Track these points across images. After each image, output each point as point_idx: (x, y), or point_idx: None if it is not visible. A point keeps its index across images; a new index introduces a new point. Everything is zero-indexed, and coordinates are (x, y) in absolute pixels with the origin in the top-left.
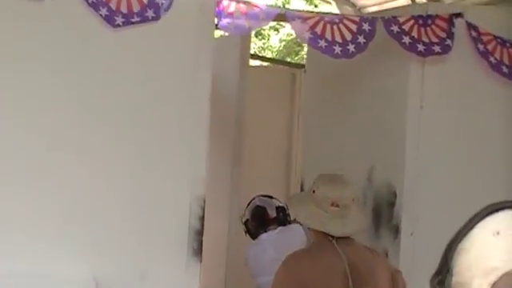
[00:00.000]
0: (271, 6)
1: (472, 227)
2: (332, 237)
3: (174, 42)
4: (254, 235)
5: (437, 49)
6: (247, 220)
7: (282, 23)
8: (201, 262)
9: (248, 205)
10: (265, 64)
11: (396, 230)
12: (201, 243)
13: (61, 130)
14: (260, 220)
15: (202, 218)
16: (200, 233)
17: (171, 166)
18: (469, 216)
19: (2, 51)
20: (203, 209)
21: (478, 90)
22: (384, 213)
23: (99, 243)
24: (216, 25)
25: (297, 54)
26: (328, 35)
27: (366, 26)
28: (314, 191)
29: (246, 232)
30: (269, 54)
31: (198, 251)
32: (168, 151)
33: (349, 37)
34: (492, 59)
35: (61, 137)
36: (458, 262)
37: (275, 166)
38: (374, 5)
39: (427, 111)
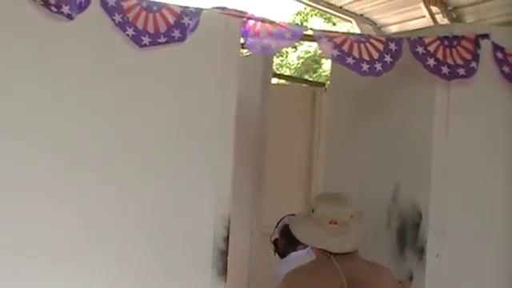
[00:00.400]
0: (296, 25)
1: None
2: (331, 253)
3: (199, 63)
4: (282, 254)
5: (461, 72)
6: (276, 239)
7: (299, 41)
8: (225, 282)
9: (277, 224)
10: (282, 82)
11: (421, 252)
12: (225, 263)
13: (87, 149)
14: (289, 239)
15: (227, 239)
16: (225, 253)
17: (196, 186)
18: (495, 237)
19: (31, 69)
20: (228, 229)
21: (503, 112)
22: (409, 234)
23: (123, 263)
24: (242, 44)
25: (315, 72)
26: (355, 53)
27: (392, 46)
28: (313, 210)
29: (274, 251)
30: (287, 72)
31: (223, 271)
32: (193, 171)
33: (376, 55)
34: None
35: (86, 156)
36: None
37: (296, 184)
38: (394, 23)
39: (453, 132)
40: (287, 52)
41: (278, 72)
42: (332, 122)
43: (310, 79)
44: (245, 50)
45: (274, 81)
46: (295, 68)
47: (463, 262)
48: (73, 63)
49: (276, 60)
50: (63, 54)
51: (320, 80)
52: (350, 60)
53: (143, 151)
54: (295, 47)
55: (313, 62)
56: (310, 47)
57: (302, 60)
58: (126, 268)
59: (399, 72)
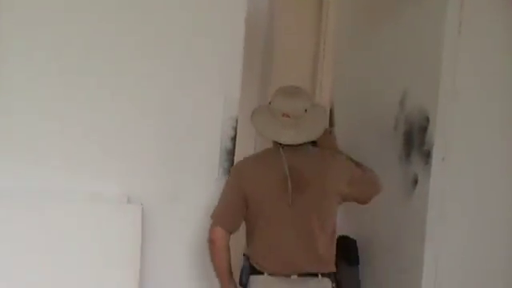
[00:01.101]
0: None
1: None
2: (281, 144)
3: None
4: None
5: None
6: None
7: None
8: None
9: None
10: None
11: (427, 155)
12: (232, 163)
13: (92, 52)
14: None
15: (234, 139)
16: (232, 152)
17: (205, 87)
18: (504, 146)
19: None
20: (235, 129)
21: None
22: (415, 138)
23: (131, 162)
24: None
25: None
26: None
27: None
28: (270, 102)
29: None
30: None
31: (228, 170)
32: (202, 72)
33: None
34: None
35: (92, 58)
36: None
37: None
38: None
39: (465, 36)
40: None
41: None
42: (340, 27)
43: None
44: None
45: None
46: None
47: (468, 166)
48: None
49: None
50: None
51: None
52: None
53: (152, 54)
54: None
55: None
56: None
57: None
58: (133, 167)
59: None
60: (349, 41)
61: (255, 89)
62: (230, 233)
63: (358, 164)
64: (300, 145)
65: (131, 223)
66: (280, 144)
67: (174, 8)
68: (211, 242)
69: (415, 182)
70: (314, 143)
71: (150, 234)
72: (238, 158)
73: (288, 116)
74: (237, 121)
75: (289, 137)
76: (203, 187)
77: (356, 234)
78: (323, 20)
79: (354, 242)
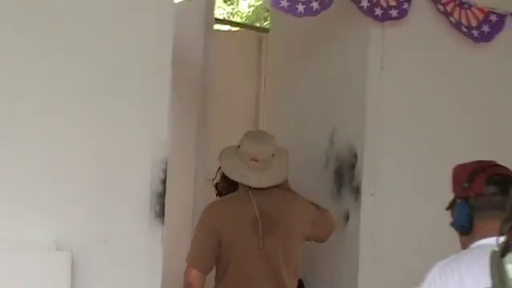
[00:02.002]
0: None
1: None
2: (249, 187)
3: (134, 8)
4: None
5: (394, 13)
6: (218, 183)
7: None
8: (163, 224)
9: (219, 168)
10: (234, 29)
11: (357, 191)
12: (163, 206)
13: (23, 92)
14: (231, 182)
15: (164, 181)
16: (162, 196)
17: (133, 130)
18: (429, 176)
19: None
20: (165, 172)
21: (437, 51)
22: (345, 174)
23: (60, 206)
24: None
25: (265, 20)
26: None
27: None
28: (239, 146)
29: (216, 194)
30: (238, 20)
31: (161, 213)
32: (130, 115)
33: None
34: (452, 19)
35: (22, 97)
36: None
37: (242, 132)
38: None
39: (388, 73)
40: (238, 0)
41: (228, 20)
42: (272, 67)
43: (257, 25)
44: None
45: (226, 28)
46: (246, 16)
47: (397, 200)
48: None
49: (227, 8)
50: None
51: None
52: (284, 3)
53: (79, 95)
54: None
55: (263, 10)
56: None
57: (252, 8)
58: (61, 211)
59: (335, 15)
60: (283, 80)
61: (193, 131)
62: (205, 274)
63: (316, 205)
64: (266, 188)
65: (60, 272)
66: (248, 187)
67: (102, 50)
68: (188, 284)
69: (347, 217)
70: (276, 186)
71: (80, 281)
72: (172, 203)
73: (256, 160)
74: (166, 163)
75: (257, 180)
76: (135, 231)
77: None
78: (262, 60)
79: (300, 281)
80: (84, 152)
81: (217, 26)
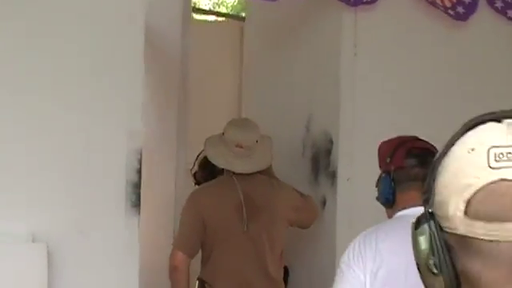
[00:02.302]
0: None
1: (452, 144)
2: (234, 173)
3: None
4: None
5: None
6: (196, 172)
7: None
8: (139, 214)
9: (197, 157)
10: (220, 19)
11: (333, 176)
12: (139, 196)
13: None
14: (209, 171)
15: (139, 171)
16: (138, 186)
17: (107, 120)
18: None
19: None
20: (140, 162)
21: (411, 35)
22: (322, 160)
23: (35, 197)
24: None
25: None
26: None
27: None
28: (223, 133)
29: (195, 184)
30: (223, 10)
31: (137, 203)
32: (103, 105)
33: None
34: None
35: None
36: (439, 180)
37: (223, 121)
38: None
39: (361, 58)
40: None
41: (215, 10)
42: (250, 55)
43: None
44: None
45: (212, 18)
46: (232, 6)
47: (373, 184)
48: None
49: None
50: None
51: None
52: None
53: (50, 85)
54: None
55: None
56: None
57: None
58: (36, 203)
59: (308, 2)
60: (261, 69)
61: (173, 121)
62: (191, 257)
63: (299, 192)
64: (251, 174)
65: (37, 263)
66: (233, 173)
67: (71, 41)
68: (174, 267)
69: (324, 202)
70: (260, 171)
71: (56, 272)
72: (154, 193)
73: (241, 147)
74: (141, 153)
75: (242, 166)
76: (111, 221)
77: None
78: (244, 50)
79: (286, 268)
80: (58, 143)
81: (202, 17)
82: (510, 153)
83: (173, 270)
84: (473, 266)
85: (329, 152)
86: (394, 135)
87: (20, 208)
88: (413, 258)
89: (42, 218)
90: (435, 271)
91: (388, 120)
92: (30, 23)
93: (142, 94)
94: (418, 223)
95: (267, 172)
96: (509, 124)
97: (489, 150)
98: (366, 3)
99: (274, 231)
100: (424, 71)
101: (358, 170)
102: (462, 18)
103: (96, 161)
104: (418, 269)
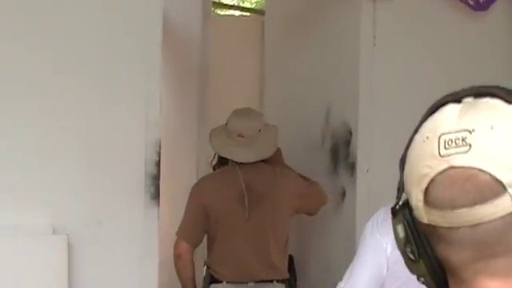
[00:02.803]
0: None
1: (416, 132)
2: (237, 162)
3: None
4: None
5: None
6: (215, 164)
7: None
8: (158, 205)
9: None
10: (245, 14)
11: (352, 167)
12: (158, 187)
13: (12, 75)
14: (226, 161)
15: (158, 163)
16: (157, 177)
17: (125, 112)
18: None
19: None
20: (159, 154)
21: (430, 26)
22: (341, 151)
23: (54, 190)
24: None
25: None
26: None
27: None
28: (226, 124)
29: None
30: (248, 5)
31: (156, 195)
32: (122, 97)
33: None
34: None
35: (13, 82)
36: (405, 171)
37: None
38: None
39: (380, 48)
40: None
41: (236, 5)
42: (269, 48)
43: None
44: None
45: (236, 13)
46: (256, 2)
47: (393, 176)
48: None
49: None
50: None
51: None
52: None
53: (69, 78)
54: None
55: None
56: None
57: None
58: (56, 194)
59: None
60: (280, 61)
61: (194, 114)
62: (194, 246)
63: (305, 179)
64: (254, 163)
65: (57, 255)
66: (236, 162)
67: (91, 32)
68: (177, 256)
69: (343, 194)
70: (265, 161)
71: (76, 264)
72: (175, 184)
73: (242, 136)
74: (160, 145)
75: (243, 155)
76: (130, 213)
77: (292, 249)
78: (266, 43)
79: (290, 256)
80: (77, 135)
81: (226, 12)
82: (458, 138)
83: (177, 259)
84: (441, 251)
85: (348, 143)
86: (412, 127)
87: (40, 200)
88: None
89: (61, 210)
90: (413, 258)
91: (407, 110)
92: (49, 15)
93: (160, 86)
94: (394, 213)
95: (274, 161)
96: (464, 105)
97: (439, 138)
98: None
99: (277, 219)
100: (443, 62)
101: (377, 161)
102: (482, 7)
103: (115, 153)
104: (402, 256)
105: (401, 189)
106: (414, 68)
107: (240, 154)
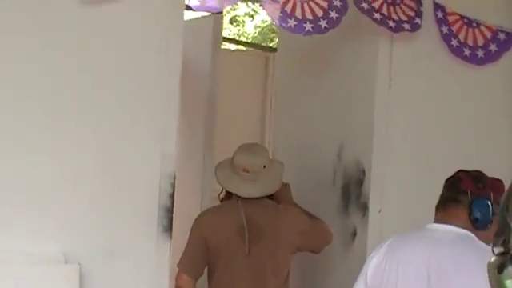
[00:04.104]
0: None
1: None
2: (239, 197)
3: (144, 20)
4: None
5: (406, 26)
6: (224, 197)
7: (256, 9)
8: (171, 238)
9: None
10: (241, 48)
11: (365, 208)
12: (171, 220)
13: (29, 105)
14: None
15: (172, 196)
16: (170, 210)
17: (141, 144)
18: (438, 193)
19: None
20: (173, 186)
21: (446, 69)
22: (353, 191)
23: (68, 220)
24: (187, 5)
25: (271, 41)
26: (298, 13)
27: (337, 2)
28: (232, 158)
29: None
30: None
31: (168, 228)
32: (138, 129)
33: (320, 13)
34: (454, 42)
35: (30, 111)
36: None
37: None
38: None
39: (396, 89)
40: (244, 21)
41: (236, 39)
42: (280, 83)
43: (262, 44)
44: (195, 13)
45: (233, 47)
46: (252, 37)
47: (404, 217)
48: (16, 22)
49: (233, 29)
50: (6, 13)
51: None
52: (291, 22)
53: (87, 109)
54: (252, 16)
55: (269, 31)
56: (267, 16)
57: (258, 29)
58: (69, 224)
59: (343, 31)
60: (291, 97)
61: (200, 147)
62: (195, 279)
63: (310, 216)
64: (257, 198)
65: (69, 284)
66: (239, 197)
67: (111, 66)
68: None
69: (354, 234)
70: (270, 197)
71: None
72: (179, 218)
73: (247, 171)
74: (174, 177)
75: (247, 191)
76: (142, 245)
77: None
78: (269, 79)
79: None
80: (92, 165)
81: (225, 45)
82: None
83: None
84: None
85: (360, 182)
86: (427, 167)
87: (53, 229)
88: None
89: (74, 240)
90: None
91: (421, 152)
92: (70, 47)
93: (178, 119)
94: (500, 267)
95: (280, 197)
96: None
97: None
98: (408, 31)
99: (277, 255)
100: (457, 105)
101: (390, 202)
102: (493, 57)
103: (130, 183)
104: None
105: (507, 239)
106: (428, 110)
107: (244, 189)
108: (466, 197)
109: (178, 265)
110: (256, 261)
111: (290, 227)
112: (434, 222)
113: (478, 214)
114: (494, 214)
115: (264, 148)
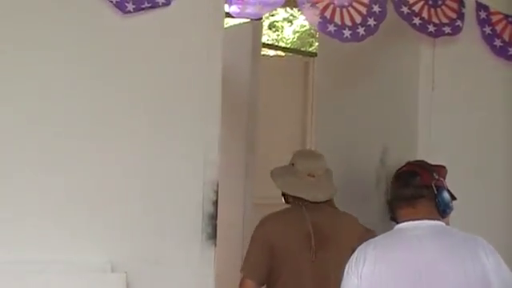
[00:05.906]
0: None
1: None
2: (303, 202)
3: (184, 28)
4: None
5: (447, 30)
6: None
7: (295, 14)
8: (215, 245)
9: None
10: (281, 54)
11: None
12: (215, 227)
13: (74, 115)
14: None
15: (216, 203)
16: (214, 217)
17: (184, 151)
18: (480, 194)
19: (12, 39)
20: (217, 193)
21: (488, 70)
22: None
23: (114, 228)
24: (227, 12)
25: (310, 45)
26: (337, 19)
27: (376, 8)
28: (293, 164)
29: None
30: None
31: (213, 235)
32: (181, 137)
33: (358, 20)
34: (497, 42)
35: (74, 122)
36: None
37: (289, 153)
38: None
39: (439, 92)
40: (283, 27)
41: (275, 45)
42: (321, 88)
43: (301, 49)
44: (234, 20)
45: (271, 53)
46: (291, 42)
47: (450, 220)
48: (56, 32)
49: (272, 35)
50: (46, 22)
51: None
52: (331, 27)
53: (130, 118)
54: (291, 21)
55: (308, 36)
56: (306, 21)
57: (297, 34)
58: (115, 233)
59: (384, 35)
60: (332, 102)
61: (241, 155)
62: (260, 285)
63: (363, 226)
64: (318, 203)
65: None
66: (302, 203)
67: (150, 77)
68: None
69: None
70: (327, 202)
71: None
72: (221, 226)
73: (313, 176)
74: (218, 185)
75: (313, 195)
76: (187, 253)
77: None
78: (309, 84)
79: None
80: (138, 175)
81: (264, 51)
82: None
83: None
84: None
85: None
86: (471, 172)
87: (99, 238)
88: None
89: (120, 249)
90: None
91: (465, 155)
92: (111, 60)
93: (220, 127)
94: None
95: (330, 203)
96: None
97: None
98: (448, 35)
99: (340, 261)
100: (502, 107)
101: None
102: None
103: (174, 192)
104: None
105: None
106: (473, 112)
107: (310, 193)
108: (429, 190)
109: (242, 270)
110: (321, 267)
111: (351, 232)
112: (404, 221)
113: (444, 204)
114: (453, 199)
115: (320, 153)
